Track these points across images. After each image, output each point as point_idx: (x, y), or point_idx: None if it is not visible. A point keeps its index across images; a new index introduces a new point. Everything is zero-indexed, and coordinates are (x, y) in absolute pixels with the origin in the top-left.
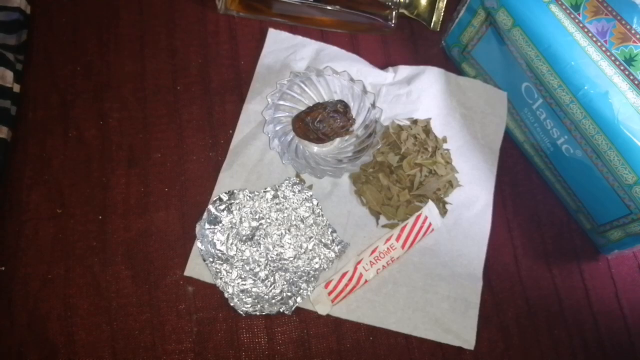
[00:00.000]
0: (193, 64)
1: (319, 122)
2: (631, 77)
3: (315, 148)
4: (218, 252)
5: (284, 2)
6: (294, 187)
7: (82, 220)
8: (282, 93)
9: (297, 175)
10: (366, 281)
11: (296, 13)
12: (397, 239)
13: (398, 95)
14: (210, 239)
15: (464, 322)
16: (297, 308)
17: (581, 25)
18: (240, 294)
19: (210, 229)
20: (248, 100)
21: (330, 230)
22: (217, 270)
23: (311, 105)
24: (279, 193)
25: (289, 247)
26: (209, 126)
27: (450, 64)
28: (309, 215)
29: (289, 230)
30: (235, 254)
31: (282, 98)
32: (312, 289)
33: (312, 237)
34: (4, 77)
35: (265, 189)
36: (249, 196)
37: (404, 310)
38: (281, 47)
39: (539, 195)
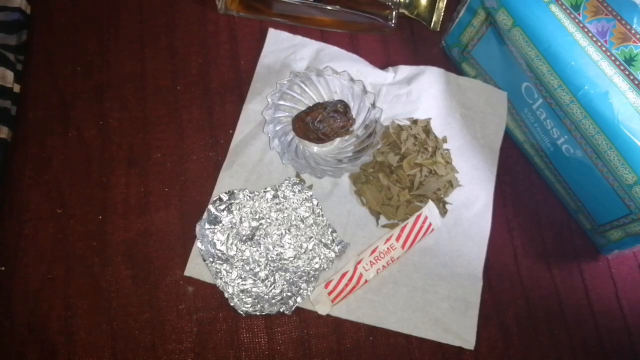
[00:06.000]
0: (193, 64)
1: (319, 122)
2: (631, 77)
3: (315, 148)
4: (218, 252)
5: (284, 2)
6: (294, 187)
7: (82, 220)
8: (282, 93)
9: (297, 175)
10: (366, 281)
11: (296, 13)
12: (397, 239)
13: (398, 95)
14: (210, 239)
15: (464, 322)
16: (297, 308)
17: (581, 25)
18: (240, 294)
19: (210, 229)
20: (248, 100)
21: (330, 230)
22: (217, 270)
23: (311, 105)
24: (279, 193)
25: (289, 247)
26: (209, 126)
27: (450, 64)
28: (309, 215)
29: (289, 230)
30: (235, 254)
31: (282, 98)
32: (312, 289)
33: (312, 237)
34: (4, 77)
35: (265, 189)
36: (249, 196)
37: (404, 310)
38: (281, 47)
39: (539, 195)
